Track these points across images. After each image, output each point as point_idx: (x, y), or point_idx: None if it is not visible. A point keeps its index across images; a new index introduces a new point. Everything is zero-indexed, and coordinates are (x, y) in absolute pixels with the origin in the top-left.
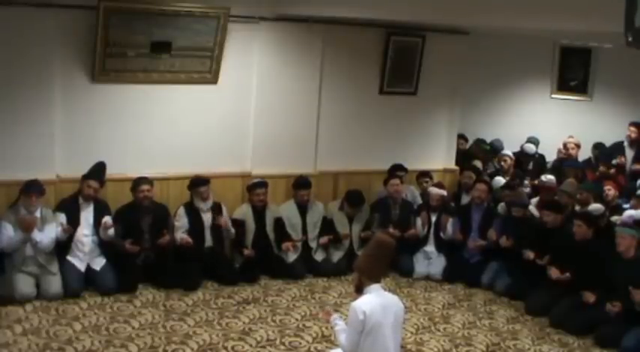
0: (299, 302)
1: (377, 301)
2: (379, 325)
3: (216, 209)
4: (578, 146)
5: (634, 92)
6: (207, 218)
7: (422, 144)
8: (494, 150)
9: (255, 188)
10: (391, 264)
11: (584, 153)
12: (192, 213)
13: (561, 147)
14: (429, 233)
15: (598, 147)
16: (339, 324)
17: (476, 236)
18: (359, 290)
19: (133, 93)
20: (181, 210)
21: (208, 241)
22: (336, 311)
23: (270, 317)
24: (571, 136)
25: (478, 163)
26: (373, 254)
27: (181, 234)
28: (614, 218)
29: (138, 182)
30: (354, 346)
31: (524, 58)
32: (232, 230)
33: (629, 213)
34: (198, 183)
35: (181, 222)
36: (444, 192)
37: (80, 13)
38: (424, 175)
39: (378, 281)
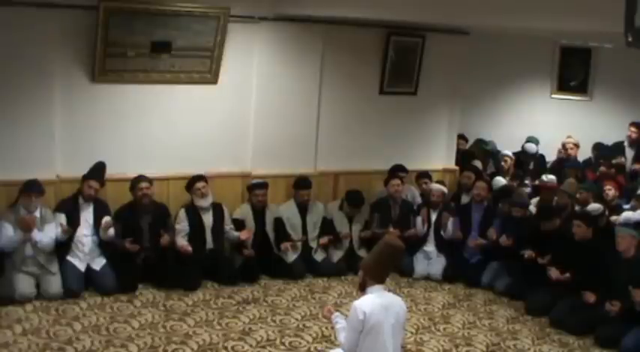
0: (299, 302)
1: (378, 301)
2: (379, 325)
3: (217, 210)
4: (577, 146)
5: (634, 92)
6: (208, 219)
7: (422, 144)
8: (493, 150)
9: (255, 189)
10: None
11: (584, 153)
12: (193, 214)
13: (560, 147)
14: (429, 232)
15: (598, 147)
16: (340, 322)
17: (476, 235)
18: (363, 289)
19: (133, 93)
20: (182, 213)
21: (209, 243)
22: (336, 310)
23: (270, 317)
24: (569, 136)
25: (478, 163)
26: (381, 255)
27: (182, 241)
28: (614, 218)
29: (137, 180)
30: (352, 345)
31: (524, 58)
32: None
33: (628, 215)
34: (194, 179)
35: (182, 225)
36: (445, 189)
37: (80, 13)
38: (423, 176)
39: (381, 281)
